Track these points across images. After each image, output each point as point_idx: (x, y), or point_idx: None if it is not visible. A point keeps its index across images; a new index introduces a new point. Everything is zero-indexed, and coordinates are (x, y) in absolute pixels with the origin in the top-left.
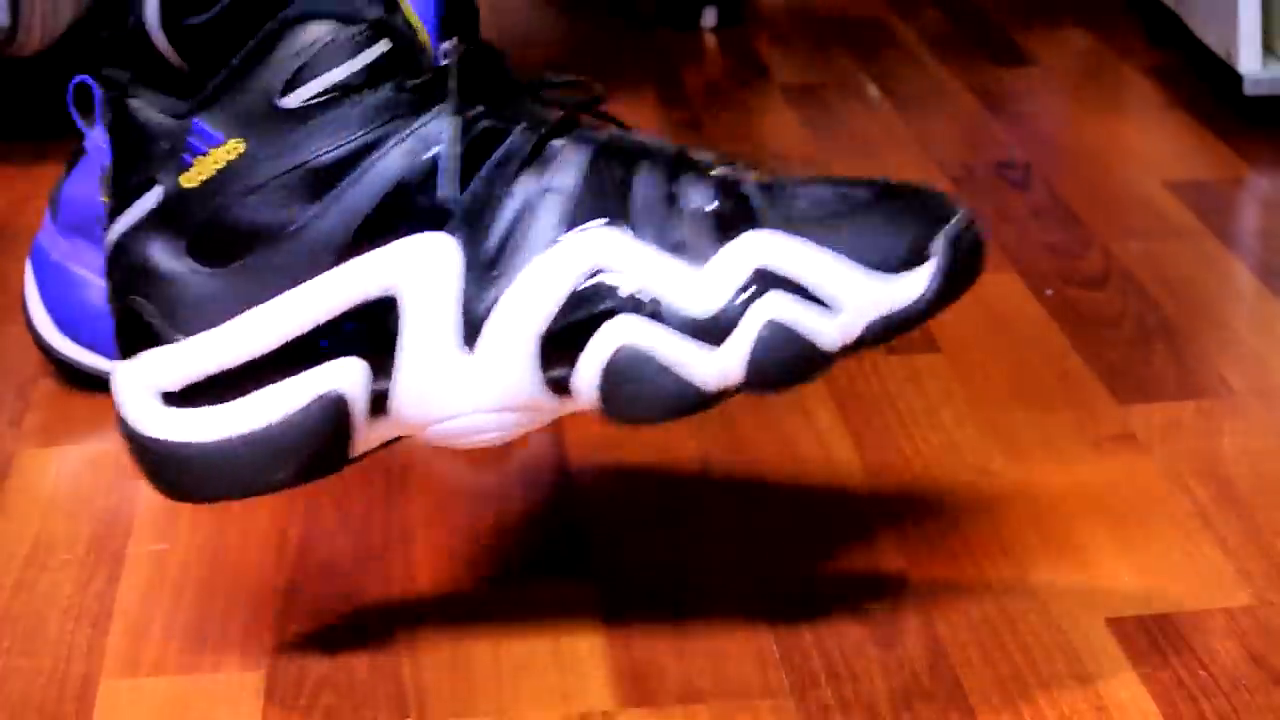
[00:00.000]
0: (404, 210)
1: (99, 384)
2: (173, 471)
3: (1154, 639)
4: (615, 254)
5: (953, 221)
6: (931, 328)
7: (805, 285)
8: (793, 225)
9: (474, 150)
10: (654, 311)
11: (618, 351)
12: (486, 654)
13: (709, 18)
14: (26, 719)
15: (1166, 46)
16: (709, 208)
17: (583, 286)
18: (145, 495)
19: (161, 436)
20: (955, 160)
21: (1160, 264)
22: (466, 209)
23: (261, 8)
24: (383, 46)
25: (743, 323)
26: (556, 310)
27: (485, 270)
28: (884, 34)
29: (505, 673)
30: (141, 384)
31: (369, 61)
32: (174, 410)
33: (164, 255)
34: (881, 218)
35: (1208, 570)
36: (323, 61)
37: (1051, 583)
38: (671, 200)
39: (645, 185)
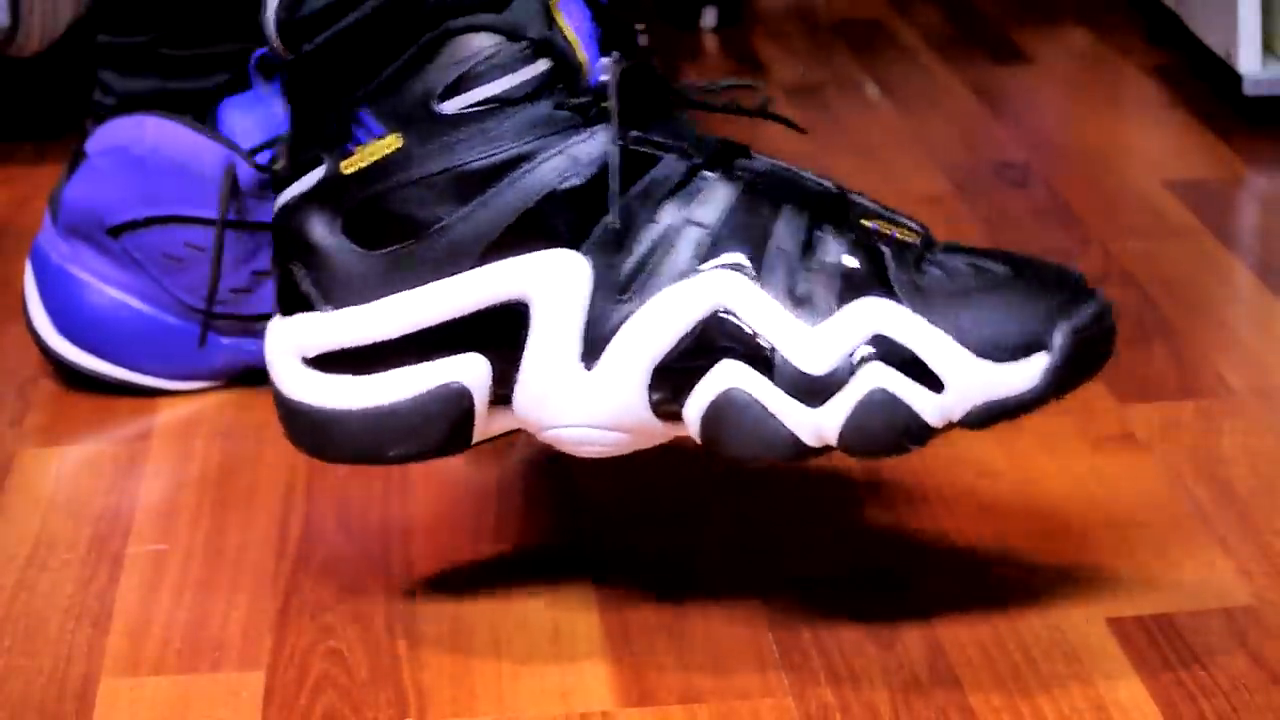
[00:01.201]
0: (545, 224)
1: (99, 385)
2: (304, 428)
3: (1154, 639)
4: (740, 297)
5: (1081, 312)
6: None
7: (915, 359)
8: (918, 296)
9: (623, 174)
10: (766, 360)
11: (723, 394)
12: (486, 654)
13: (709, 18)
14: (27, 718)
15: (1166, 46)
16: (841, 265)
17: (703, 325)
18: (145, 495)
19: (298, 397)
20: (955, 160)
21: (1160, 263)
22: (606, 231)
23: (410, 15)
24: (543, 65)
25: (847, 387)
26: (675, 343)
27: (615, 292)
28: (884, 34)
29: (505, 673)
30: (289, 344)
31: (528, 78)
32: (314, 373)
33: (322, 229)
34: (1008, 300)
35: (1207, 570)
36: (484, 73)
37: (1051, 582)
38: (807, 249)
39: (784, 230)
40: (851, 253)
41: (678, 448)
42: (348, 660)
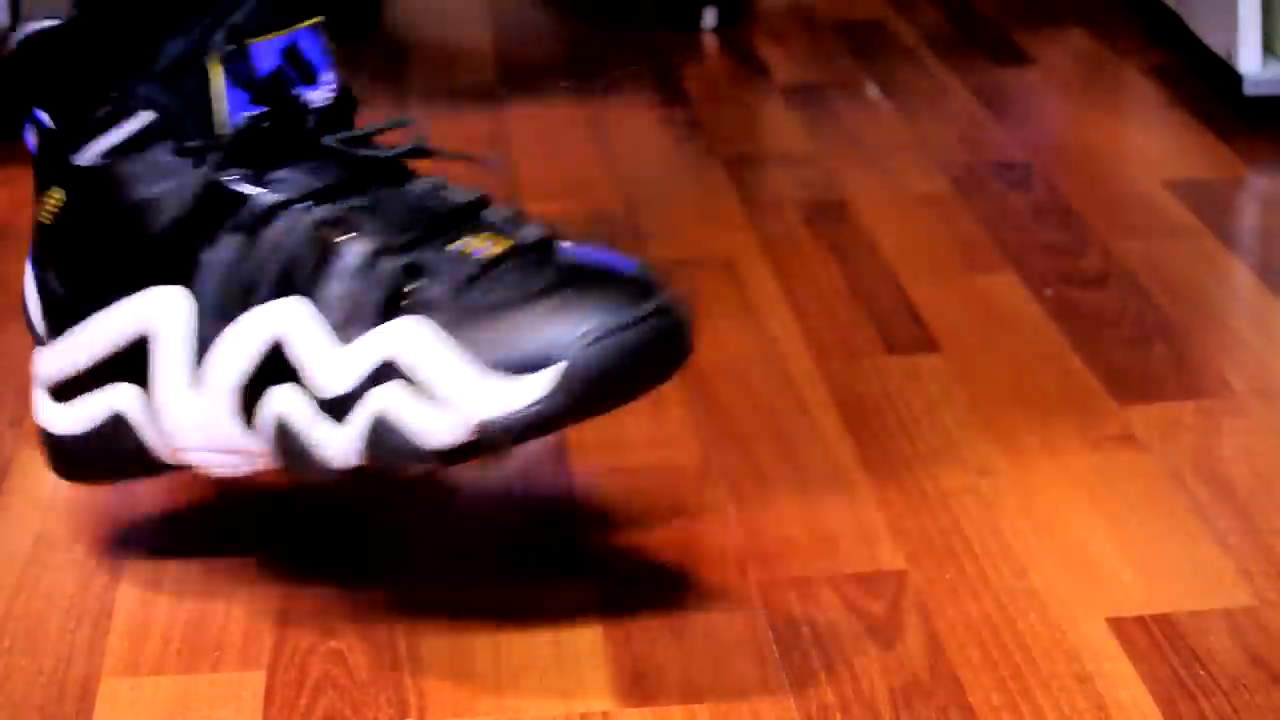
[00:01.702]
0: (155, 261)
1: None
2: (48, 452)
3: (1154, 638)
4: (292, 326)
5: (609, 319)
6: (931, 327)
7: (421, 380)
8: (447, 315)
9: (210, 210)
10: (305, 385)
11: (276, 417)
12: (486, 654)
13: (709, 18)
14: (27, 718)
15: (1166, 46)
16: (384, 288)
17: (268, 351)
18: (146, 495)
19: (39, 423)
20: (955, 160)
21: (1160, 264)
22: (200, 268)
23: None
24: (146, 118)
25: (361, 408)
26: (246, 370)
27: (212, 322)
28: (884, 34)
29: (505, 673)
30: (37, 373)
31: (138, 128)
32: (48, 401)
33: (42, 265)
34: (536, 313)
35: (1208, 570)
36: (100, 129)
37: (1051, 582)
38: (363, 275)
39: (347, 259)
40: (397, 276)
41: (678, 448)
42: (348, 660)
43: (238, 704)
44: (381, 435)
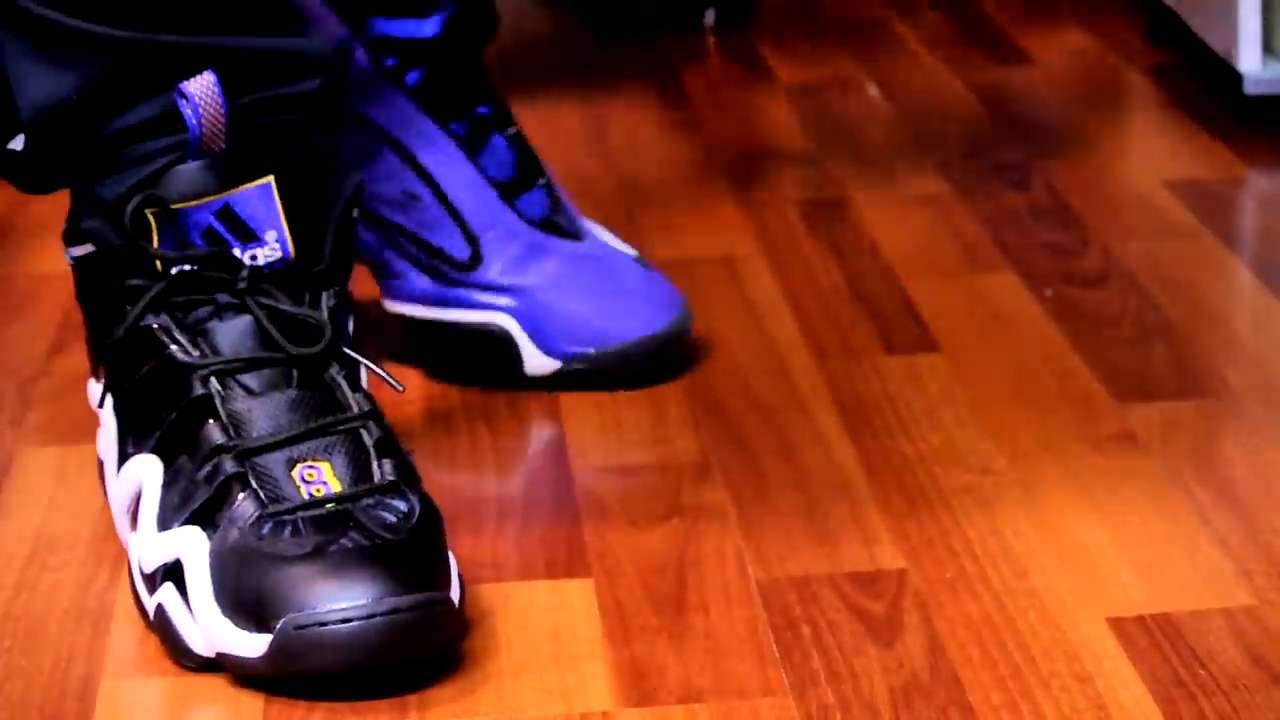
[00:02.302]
0: (108, 386)
1: None
2: None
3: (1154, 638)
4: (147, 486)
5: (326, 610)
6: (931, 327)
7: (187, 591)
8: (226, 542)
9: (135, 352)
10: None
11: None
12: (486, 654)
13: (710, 18)
14: (27, 719)
15: (1166, 46)
16: (209, 490)
17: (133, 499)
18: None
19: None
20: (955, 160)
21: (1160, 263)
22: (123, 404)
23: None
24: (89, 249)
25: (155, 593)
26: (127, 513)
27: (121, 462)
28: (884, 34)
29: (505, 673)
30: None
31: (83, 254)
32: None
33: None
34: (284, 576)
35: (1208, 569)
36: (67, 242)
37: (1051, 582)
38: (203, 470)
39: (200, 447)
40: (226, 483)
41: (678, 448)
42: None
43: (237, 704)
44: (161, 625)
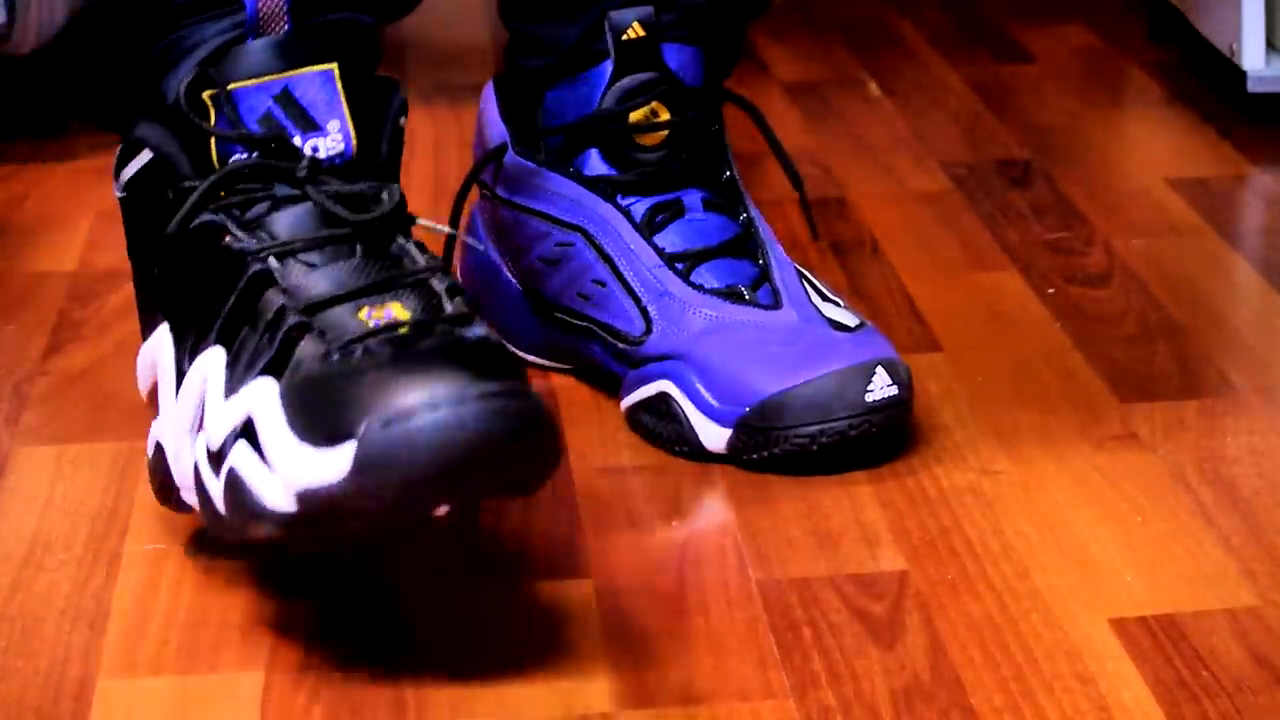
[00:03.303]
0: (155, 298)
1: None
2: None
3: (1157, 639)
4: (212, 377)
5: (409, 403)
6: (932, 326)
7: (260, 442)
8: (294, 379)
9: (188, 250)
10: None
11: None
12: (487, 654)
13: None
14: None
15: (1169, 43)
16: (274, 346)
17: (200, 399)
18: (143, 494)
19: None
20: (956, 158)
21: (1162, 262)
22: (177, 304)
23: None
24: (146, 157)
25: (224, 463)
26: (196, 414)
27: (186, 358)
28: (884, 31)
29: (505, 673)
30: None
31: (139, 167)
32: None
33: None
34: (362, 387)
35: (1211, 570)
36: (120, 163)
37: (1053, 582)
38: (267, 329)
39: (262, 312)
40: (290, 334)
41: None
42: (347, 660)
43: (235, 704)
44: (235, 492)
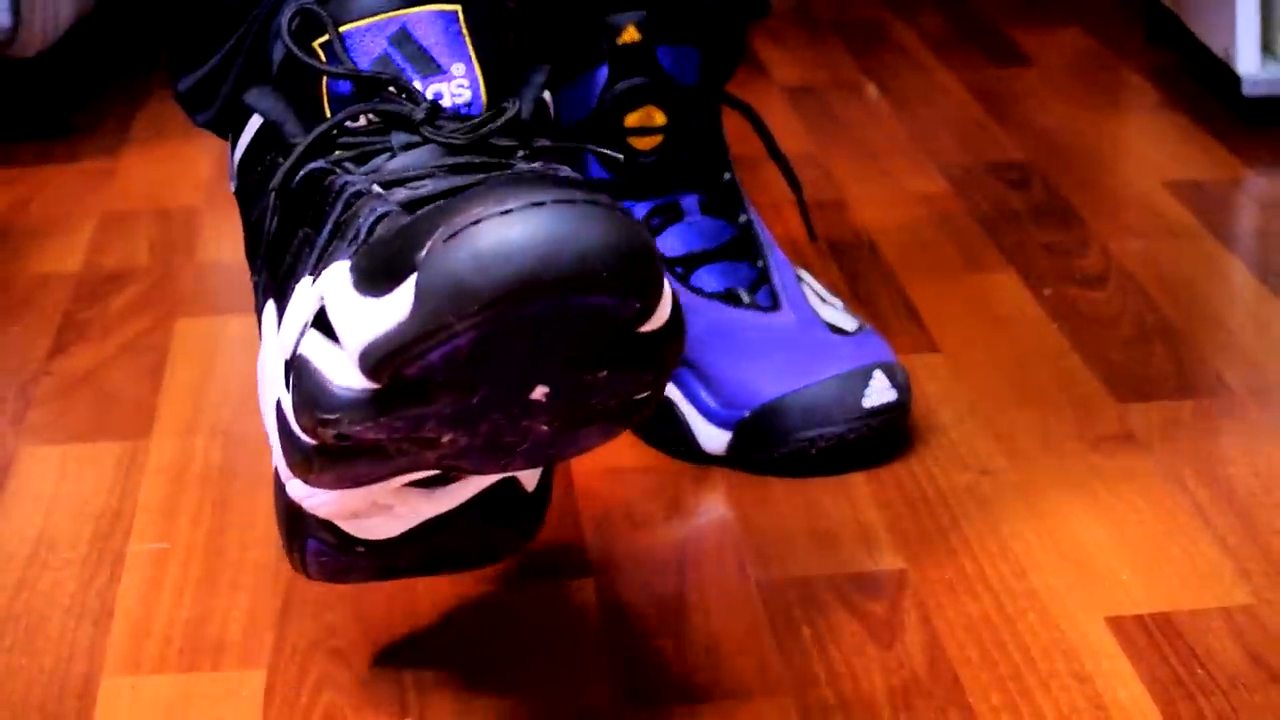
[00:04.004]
0: (267, 260)
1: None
2: None
3: (1153, 637)
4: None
5: (460, 219)
6: (931, 327)
7: (330, 320)
8: (364, 245)
9: (298, 200)
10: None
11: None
12: (486, 654)
13: None
14: (28, 718)
15: (1165, 47)
16: (355, 229)
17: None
18: (146, 494)
19: None
20: (954, 160)
21: (1159, 264)
22: (286, 251)
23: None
24: (256, 124)
25: (294, 360)
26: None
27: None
28: (883, 34)
29: (505, 673)
30: None
31: (250, 138)
32: None
33: None
34: (419, 220)
35: (1207, 569)
36: (233, 141)
37: (1050, 581)
38: (351, 215)
39: (353, 218)
40: (371, 216)
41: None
42: (348, 660)
43: (237, 703)
44: (302, 384)
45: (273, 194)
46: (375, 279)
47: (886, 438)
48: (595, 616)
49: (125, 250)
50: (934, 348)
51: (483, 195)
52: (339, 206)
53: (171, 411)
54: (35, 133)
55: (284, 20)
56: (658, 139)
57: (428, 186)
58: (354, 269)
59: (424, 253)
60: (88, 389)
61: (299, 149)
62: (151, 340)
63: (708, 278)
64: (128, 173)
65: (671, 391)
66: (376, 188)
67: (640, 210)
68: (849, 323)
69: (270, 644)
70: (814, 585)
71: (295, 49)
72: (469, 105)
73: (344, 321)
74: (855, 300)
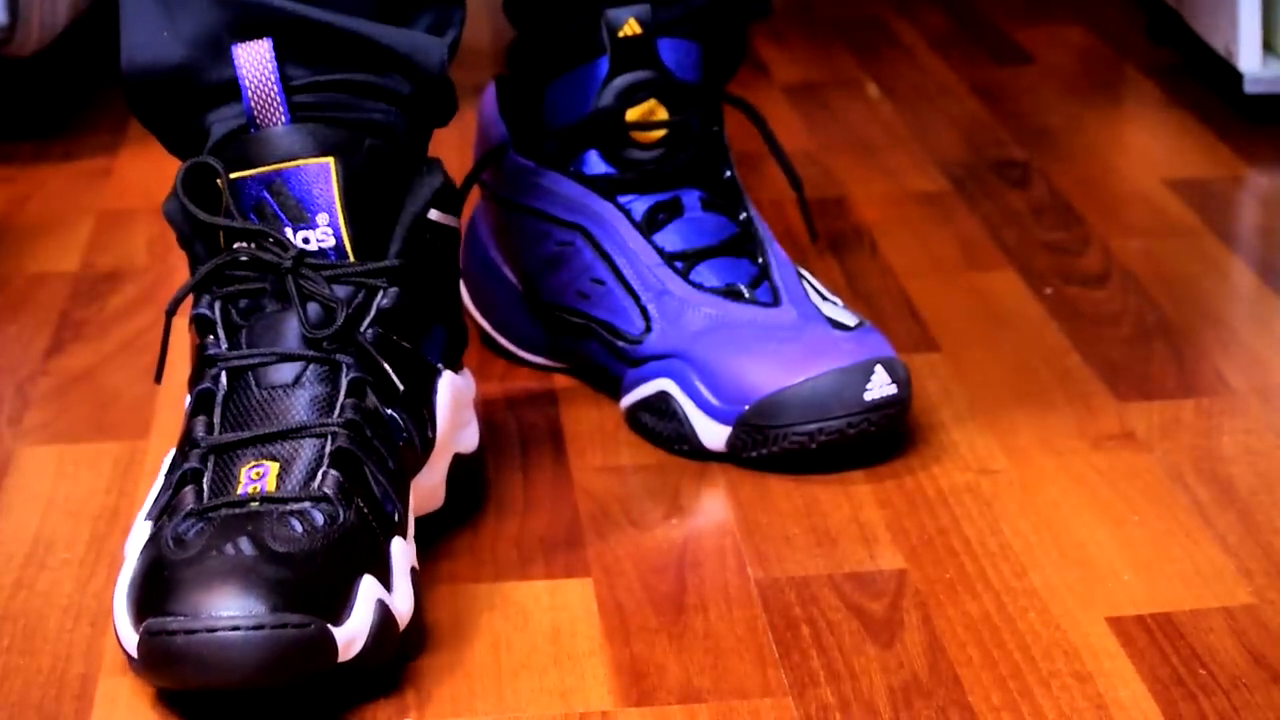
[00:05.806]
0: None
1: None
2: None
3: (1154, 637)
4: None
5: (157, 624)
6: (931, 326)
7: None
8: (148, 555)
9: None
10: None
11: None
12: (486, 654)
13: None
14: (26, 717)
15: (1167, 45)
16: (164, 489)
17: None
18: (144, 495)
19: None
20: (955, 158)
21: (1160, 262)
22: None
23: None
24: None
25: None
26: None
27: None
28: (884, 33)
29: (505, 673)
30: None
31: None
32: None
33: None
34: (167, 579)
35: (1207, 568)
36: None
37: (1051, 581)
38: (165, 475)
39: (183, 445)
40: (172, 483)
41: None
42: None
43: (235, 702)
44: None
45: (166, 314)
46: (134, 604)
47: (887, 433)
48: (595, 616)
49: (123, 249)
50: (934, 346)
51: (206, 590)
52: (191, 400)
53: (169, 412)
54: (32, 132)
55: (179, 174)
56: (660, 134)
57: (243, 420)
58: (123, 590)
59: (144, 626)
60: (85, 389)
61: (187, 286)
62: (149, 340)
63: (708, 273)
64: (125, 172)
65: (671, 387)
66: (223, 382)
67: (641, 205)
68: (849, 319)
69: None
70: (813, 584)
71: (187, 201)
72: (331, 249)
73: (118, 610)
74: (855, 298)
